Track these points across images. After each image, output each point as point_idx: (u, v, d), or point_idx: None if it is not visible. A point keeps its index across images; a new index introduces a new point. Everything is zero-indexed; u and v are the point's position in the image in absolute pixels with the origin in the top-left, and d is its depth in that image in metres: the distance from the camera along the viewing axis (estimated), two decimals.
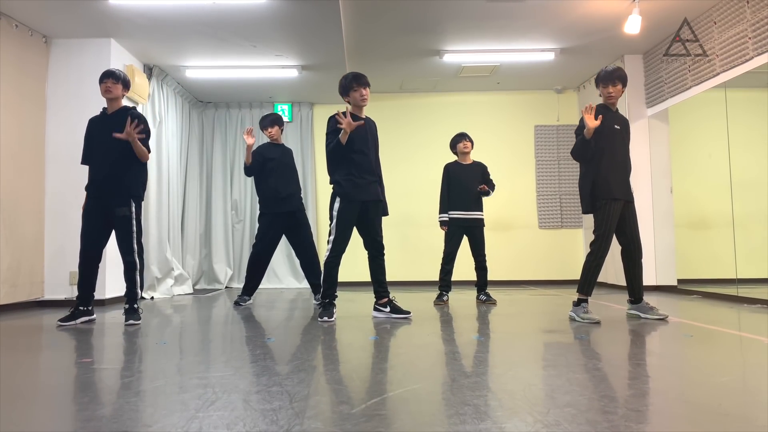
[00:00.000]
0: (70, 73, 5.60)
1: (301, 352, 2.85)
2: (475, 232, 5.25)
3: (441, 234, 8.11)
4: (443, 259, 5.28)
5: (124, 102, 4.37)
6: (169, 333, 3.59)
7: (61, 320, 3.94)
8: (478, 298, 5.30)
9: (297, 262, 7.79)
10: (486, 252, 5.32)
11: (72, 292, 5.38)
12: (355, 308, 4.95)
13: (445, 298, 5.23)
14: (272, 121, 5.35)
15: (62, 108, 5.56)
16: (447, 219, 5.28)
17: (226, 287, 7.79)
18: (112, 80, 3.95)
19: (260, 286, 7.78)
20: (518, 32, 6.00)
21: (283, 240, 7.94)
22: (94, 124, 4.05)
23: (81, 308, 4.02)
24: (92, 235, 3.93)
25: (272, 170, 5.22)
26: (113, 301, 5.52)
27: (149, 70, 6.42)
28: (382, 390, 2.03)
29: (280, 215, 5.21)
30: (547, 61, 6.80)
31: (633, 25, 5.30)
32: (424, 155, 8.07)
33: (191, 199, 7.63)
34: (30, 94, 5.32)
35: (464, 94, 8.15)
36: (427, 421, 1.66)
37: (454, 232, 5.26)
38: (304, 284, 7.72)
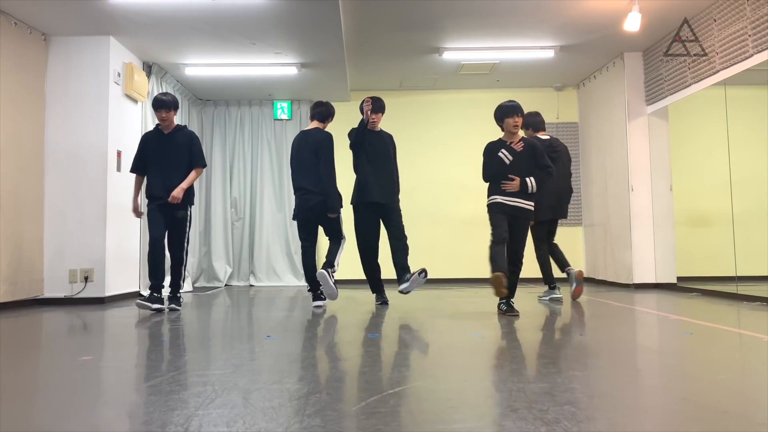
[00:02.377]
0: (69, 70, 5.58)
1: (300, 349, 2.85)
2: (515, 223, 4.19)
3: (442, 233, 8.21)
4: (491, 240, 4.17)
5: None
6: (169, 331, 3.59)
7: (141, 299, 4.48)
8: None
9: (297, 259, 7.81)
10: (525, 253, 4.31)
11: (72, 290, 5.38)
12: (354, 306, 4.95)
13: (504, 307, 4.19)
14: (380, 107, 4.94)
15: (62, 105, 5.55)
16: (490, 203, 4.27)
17: (226, 285, 7.80)
18: (165, 110, 4.58)
19: (260, 284, 7.82)
20: (518, 30, 5.99)
21: (283, 239, 7.97)
22: (150, 140, 4.66)
23: (155, 295, 4.51)
24: (159, 230, 4.53)
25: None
26: (113, 300, 5.52)
27: (148, 68, 6.41)
28: (382, 388, 2.03)
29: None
30: (546, 58, 6.79)
31: (633, 23, 5.29)
32: (424, 153, 8.06)
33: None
34: (29, 92, 5.31)
35: (464, 92, 8.14)
36: (426, 419, 1.66)
37: (498, 217, 4.19)
38: (303, 282, 7.73)
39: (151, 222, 4.57)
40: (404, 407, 1.78)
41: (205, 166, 4.72)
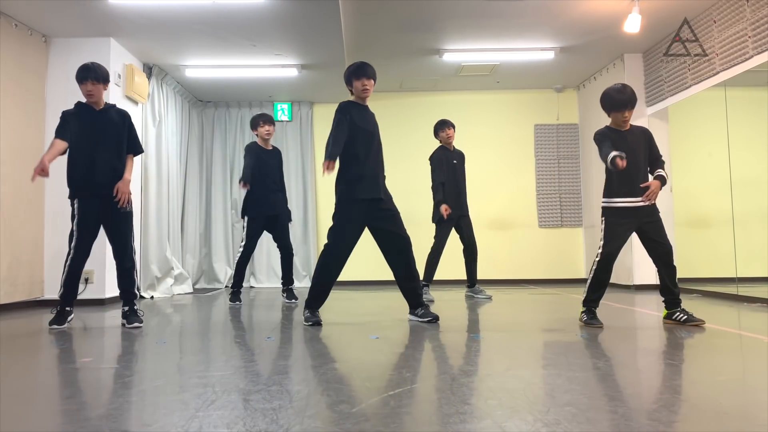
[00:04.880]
0: (69, 72, 5.54)
1: (300, 351, 2.85)
2: (648, 226, 3.61)
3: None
4: (598, 262, 3.60)
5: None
6: (169, 332, 3.59)
7: (52, 323, 3.76)
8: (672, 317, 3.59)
9: (296, 261, 7.80)
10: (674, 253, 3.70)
11: None
12: (354, 308, 4.95)
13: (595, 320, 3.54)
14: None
15: (62, 107, 5.43)
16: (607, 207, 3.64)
17: (226, 286, 7.79)
18: (92, 81, 3.81)
19: (261, 285, 7.82)
20: (518, 31, 5.99)
21: None
22: (78, 115, 3.88)
23: (68, 309, 3.83)
24: (91, 233, 3.76)
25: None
26: (113, 301, 5.51)
27: (149, 70, 6.41)
28: (382, 389, 2.03)
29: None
30: (546, 59, 6.79)
31: (633, 24, 5.30)
32: (424, 154, 8.04)
33: (191, 198, 7.62)
34: (30, 94, 5.32)
35: (464, 93, 8.14)
36: (426, 420, 1.66)
37: (620, 225, 3.60)
38: (305, 283, 7.72)
39: (83, 221, 3.71)
40: (404, 409, 1.78)
41: (142, 152, 4.05)
